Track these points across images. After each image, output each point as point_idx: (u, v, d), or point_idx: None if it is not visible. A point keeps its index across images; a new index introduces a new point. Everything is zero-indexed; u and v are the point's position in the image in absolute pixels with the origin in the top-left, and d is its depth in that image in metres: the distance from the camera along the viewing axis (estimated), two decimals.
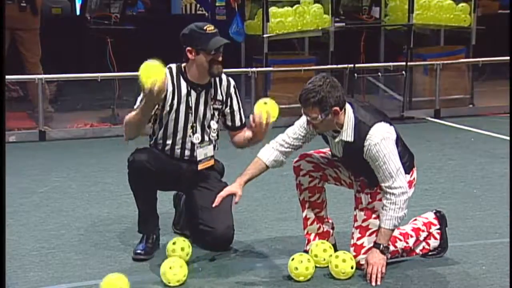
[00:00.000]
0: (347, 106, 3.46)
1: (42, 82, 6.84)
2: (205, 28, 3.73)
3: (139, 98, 3.71)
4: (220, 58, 3.77)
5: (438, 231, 3.74)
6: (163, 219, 4.00)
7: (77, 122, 7.22)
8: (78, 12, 8.12)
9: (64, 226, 4.34)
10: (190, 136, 3.82)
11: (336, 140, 3.50)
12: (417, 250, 3.72)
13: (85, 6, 7.57)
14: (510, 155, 5.12)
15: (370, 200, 3.57)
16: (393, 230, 3.48)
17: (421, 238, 3.71)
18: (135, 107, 3.72)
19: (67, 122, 7.26)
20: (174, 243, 3.70)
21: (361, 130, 3.43)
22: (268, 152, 3.62)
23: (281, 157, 3.63)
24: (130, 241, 3.98)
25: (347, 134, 3.45)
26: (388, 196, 3.44)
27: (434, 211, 3.82)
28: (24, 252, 3.88)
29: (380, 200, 3.53)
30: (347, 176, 3.70)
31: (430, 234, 3.73)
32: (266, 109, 3.65)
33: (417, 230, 3.70)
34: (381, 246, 3.46)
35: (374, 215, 3.55)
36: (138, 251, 3.79)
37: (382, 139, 3.41)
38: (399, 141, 3.54)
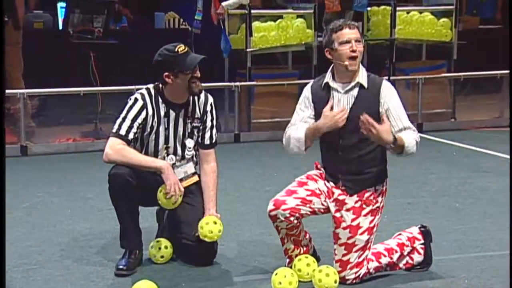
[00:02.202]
0: None
1: (24, 96, 6.82)
2: (176, 50, 3.72)
3: (118, 121, 3.75)
4: (198, 74, 3.78)
5: (422, 246, 3.74)
6: (146, 234, 3.98)
7: (59, 137, 7.19)
8: (60, 27, 8.09)
9: (46, 241, 4.31)
10: (164, 157, 3.83)
11: (350, 86, 3.54)
12: (401, 265, 3.73)
13: (67, 21, 7.55)
14: (510, 169, 5.16)
15: (354, 216, 3.57)
16: (404, 147, 3.46)
17: (405, 253, 3.71)
18: (114, 130, 3.74)
19: (50, 136, 7.23)
20: (158, 241, 3.90)
21: (375, 80, 3.59)
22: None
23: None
24: (112, 257, 3.96)
25: (364, 80, 3.55)
26: (409, 130, 3.54)
27: (419, 226, 3.82)
28: (6, 268, 3.83)
29: (366, 215, 3.54)
30: (320, 203, 3.62)
31: (414, 249, 3.73)
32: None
33: (401, 245, 3.70)
34: (394, 138, 3.43)
35: (360, 231, 3.55)
36: (121, 267, 3.77)
37: (393, 90, 3.60)
38: None
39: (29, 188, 5.56)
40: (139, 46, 8.16)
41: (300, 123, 3.62)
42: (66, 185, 5.69)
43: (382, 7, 8.21)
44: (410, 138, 3.49)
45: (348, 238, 3.55)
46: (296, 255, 3.71)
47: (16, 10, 7.02)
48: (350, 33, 3.51)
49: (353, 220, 3.56)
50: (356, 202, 3.58)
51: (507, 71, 8.19)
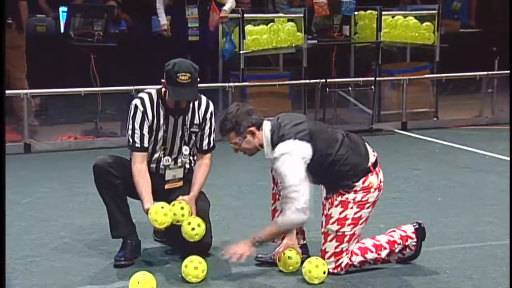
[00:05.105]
0: (266, 126, 3.56)
1: (27, 96, 6.80)
2: (179, 75, 3.62)
3: (130, 134, 3.74)
4: (184, 105, 3.75)
5: (415, 244, 3.71)
6: (145, 228, 3.98)
7: (61, 135, 7.16)
8: (62, 30, 8.06)
9: (48, 235, 4.29)
10: (161, 158, 3.82)
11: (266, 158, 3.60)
12: (391, 259, 3.71)
13: (69, 24, 7.52)
14: (510, 169, 5.17)
15: (329, 206, 3.60)
16: (275, 229, 3.51)
17: (396, 251, 3.69)
18: (130, 144, 3.74)
19: (52, 135, 7.20)
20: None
21: (273, 147, 3.52)
22: None
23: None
24: (112, 249, 3.94)
25: (267, 152, 3.56)
26: (283, 204, 3.50)
27: (414, 224, 3.75)
28: (8, 260, 3.81)
29: (337, 206, 3.56)
30: None
31: (406, 247, 3.70)
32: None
33: (392, 243, 3.67)
34: (254, 237, 3.49)
35: (331, 221, 3.57)
36: (119, 257, 3.77)
37: (281, 154, 3.46)
38: (324, 157, 3.51)
39: (32, 184, 5.54)
40: (137, 48, 8.15)
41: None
42: (67, 181, 5.67)
43: (369, 11, 8.23)
44: (275, 221, 3.52)
45: (324, 226, 3.60)
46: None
47: (19, 14, 6.99)
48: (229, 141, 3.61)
49: (329, 209, 3.60)
50: (333, 194, 3.62)
51: (486, 72, 8.26)
